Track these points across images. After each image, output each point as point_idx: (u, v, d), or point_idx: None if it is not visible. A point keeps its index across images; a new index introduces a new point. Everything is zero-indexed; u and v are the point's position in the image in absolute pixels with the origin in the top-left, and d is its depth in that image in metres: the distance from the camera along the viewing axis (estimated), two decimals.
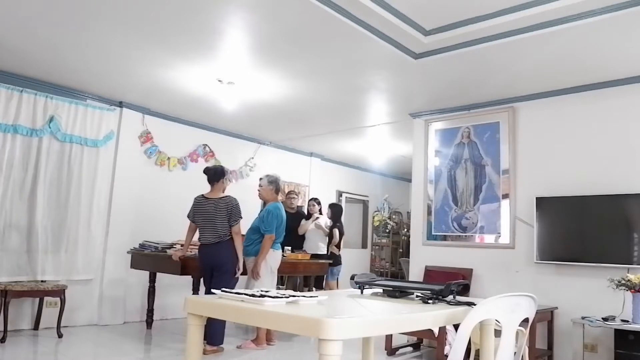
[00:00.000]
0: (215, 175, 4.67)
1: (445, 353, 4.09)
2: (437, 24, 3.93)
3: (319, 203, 6.82)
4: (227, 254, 4.51)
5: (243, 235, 4.82)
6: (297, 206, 6.90)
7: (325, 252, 6.59)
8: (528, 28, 3.70)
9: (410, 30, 3.89)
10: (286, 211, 6.22)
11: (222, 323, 4.41)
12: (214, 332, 4.40)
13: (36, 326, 5.14)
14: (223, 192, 4.70)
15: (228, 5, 3.49)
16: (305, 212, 7.05)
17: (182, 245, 4.91)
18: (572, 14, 3.48)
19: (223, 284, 4.04)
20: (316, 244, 6.50)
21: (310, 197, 7.36)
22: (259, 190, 5.03)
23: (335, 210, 6.80)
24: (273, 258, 4.81)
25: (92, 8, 3.63)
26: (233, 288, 3.27)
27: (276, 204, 4.92)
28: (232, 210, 4.54)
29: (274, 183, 4.98)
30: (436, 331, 4.12)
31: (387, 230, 9.99)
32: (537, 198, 4.77)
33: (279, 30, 3.87)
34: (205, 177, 4.74)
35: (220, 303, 1.78)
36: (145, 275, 5.65)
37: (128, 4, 3.54)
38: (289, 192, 6.98)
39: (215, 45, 4.23)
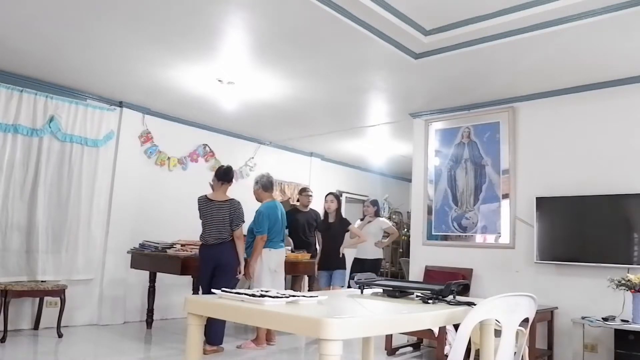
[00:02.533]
0: (226, 176, 4.69)
1: (445, 353, 4.09)
2: (437, 24, 3.93)
3: (375, 204, 6.28)
4: (230, 254, 4.54)
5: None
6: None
7: (380, 257, 6.28)
8: (528, 28, 3.70)
9: (410, 30, 3.89)
10: (298, 210, 6.38)
11: (222, 323, 4.41)
12: (214, 331, 4.40)
13: (36, 326, 5.14)
14: (224, 193, 4.73)
15: (228, 5, 3.49)
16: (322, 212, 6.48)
17: (182, 246, 4.95)
18: (572, 14, 3.48)
19: (224, 284, 4.04)
20: (365, 248, 6.04)
21: (366, 199, 6.68)
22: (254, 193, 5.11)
23: None
24: (269, 257, 4.78)
25: (93, 8, 3.64)
26: (233, 289, 3.27)
27: (268, 203, 4.91)
28: (235, 214, 4.58)
29: (258, 183, 5.00)
30: (436, 331, 4.12)
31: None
32: (537, 198, 4.77)
33: (279, 30, 3.87)
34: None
35: (220, 303, 1.78)
36: (145, 275, 5.65)
37: (128, 3, 3.54)
38: (303, 190, 6.56)
39: (215, 45, 4.23)
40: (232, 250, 4.55)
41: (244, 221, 4.67)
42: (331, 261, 5.54)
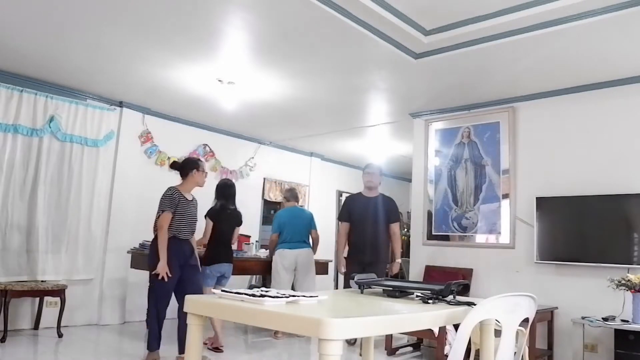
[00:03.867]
0: (182, 168, 4.30)
1: (445, 353, 4.09)
2: (437, 24, 3.93)
3: None
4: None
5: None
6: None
7: None
8: (528, 28, 3.70)
9: (410, 30, 3.89)
10: (363, 195, 4.91)
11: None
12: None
13: (36, 326, 5.14)
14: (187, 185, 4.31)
15: (228, 5, 3.49)
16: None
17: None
18: (572, 14, 3.48)
19: (198, 281, 4.34)
20: None
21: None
22: None
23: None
24: (282, 257, 5.28)
25: (92, 8, 3.64)
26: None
27: (285, 208, 5.64)
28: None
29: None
30: (436, 331, 4.12)
31: None
32: (537, 198, 4.77)
33: (279, 30, 3.87)
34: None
35: (220, 303, 1.78)
36: (145, 275, 5.63)
37: (128, 4, 3.54)
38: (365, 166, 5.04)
39: (216, 45, 4.23)
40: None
41: (162, 209, 4.13)
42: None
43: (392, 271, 4.73)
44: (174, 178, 6.47)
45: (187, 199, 4.23)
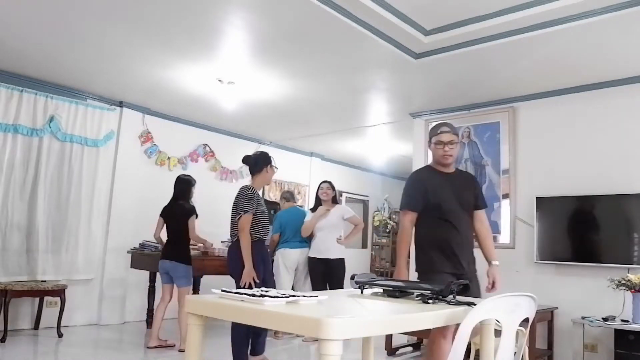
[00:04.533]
0: (257, 164, 3.88)
1: None
2: (437, 24, 3.93)
3: (333, 188, 5.32)
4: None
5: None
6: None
7: (344, 257, 5.18)
8: (528, 28, 3.70)
9: (410, 30, 3.90)
10: (434, 170, 2.99)
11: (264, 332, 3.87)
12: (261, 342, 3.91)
13: (36, 326, 5.15)
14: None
15: (228, 5, 3.49)
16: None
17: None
18: (572, 14, 3.48)
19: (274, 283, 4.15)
20: (327, 246, 5.13)
21: (322, 180, 5.49)
22: None
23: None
24: (284, 256, 5.27)
25: (92, 8, 3.64)
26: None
27: (285, 209, 5.66)
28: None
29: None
30: None
31: (387, 230, 9.98)
32: (537, 198, 4.77)
33: (279, 30, 3.87)
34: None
35: (221, 303, 1.78)
36: (145, 275, 5.65)
37: (129, 4, 3.54)
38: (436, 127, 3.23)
39: (215, 45, 4.23)
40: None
41: (245, 210, 3.63)
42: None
43: (496, 280, 3.09)
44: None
45: (260, 198, 3.80)
